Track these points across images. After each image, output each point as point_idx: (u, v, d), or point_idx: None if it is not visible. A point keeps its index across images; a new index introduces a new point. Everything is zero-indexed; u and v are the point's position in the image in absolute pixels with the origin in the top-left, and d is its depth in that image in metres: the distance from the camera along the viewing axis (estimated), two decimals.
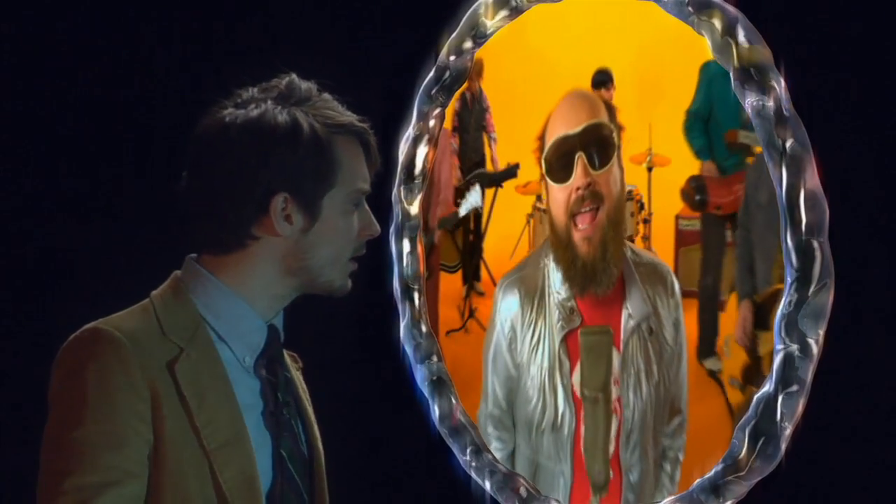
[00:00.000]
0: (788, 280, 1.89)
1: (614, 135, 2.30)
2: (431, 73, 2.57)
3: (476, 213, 2.62)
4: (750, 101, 1.96)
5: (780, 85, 1.93)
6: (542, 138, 2.36)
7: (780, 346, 1.91)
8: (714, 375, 2.21)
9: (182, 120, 1.75)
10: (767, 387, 1.95)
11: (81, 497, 1.48)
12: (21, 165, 2.87)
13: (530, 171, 2.46)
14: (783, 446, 1.92)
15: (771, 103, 1.93)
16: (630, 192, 2.37)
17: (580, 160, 2.27)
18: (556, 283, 2.34)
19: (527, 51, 2.51)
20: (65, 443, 1.52)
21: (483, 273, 2.60)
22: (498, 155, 2.61)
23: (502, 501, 2.40)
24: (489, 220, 2.61)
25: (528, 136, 2.45)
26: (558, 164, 2.31)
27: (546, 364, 2.33)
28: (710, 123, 2.24)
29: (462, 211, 2.59)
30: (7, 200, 2.85)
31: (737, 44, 1.97)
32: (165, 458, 1.56)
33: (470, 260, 2.63)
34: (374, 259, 2.02)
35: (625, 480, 2.25)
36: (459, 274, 2.64)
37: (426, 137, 2.62)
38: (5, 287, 2.84)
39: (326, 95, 1.73)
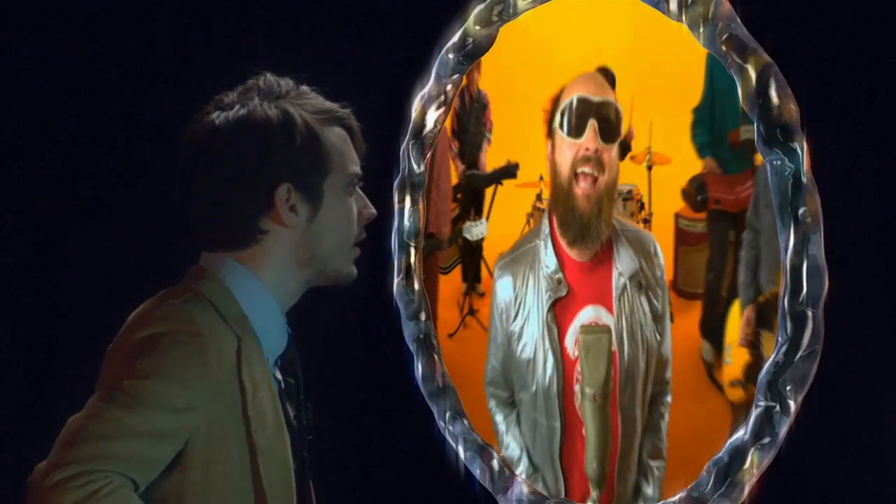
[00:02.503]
0: (780, 341, 1.93)
1: (622, 122, 2.33)
2: (455, 39, 2.50)
3: (476, 212, 2.61)
4: (771, 159, 1.94)
5: (802, 149, 1.91)
6: (554, 103, 2.39)
7: (760, 402, 1.95)
8: (711, 374, 2.24)
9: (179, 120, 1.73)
10: (742, 433, 2.00)
11: (113, 430, 1.46)
12: (33, 167, 2.82)
13: (530, 171, 2.47)
14: (747, 489, 2.01)
15: (791, 166, 1.91)
16: (630, 191, 2.40)
17: (592, 126, 2.32)
18: (546, 258, 2.41)
19: (527, 48, 2.45)
20: (137, 383, 1.49)
21: (483, 273, 2.59)
22: (492, 155, 2.59)
23: (474, 471, 2.48)
24: (488, 219, 2.59)
25: (527, 135, 2.47)
26: (574, 120, 2.35)
27: (537, 331, 2.41)
28: (715, 119, 2.23)
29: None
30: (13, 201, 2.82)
31: (767, 99, 1.94)
32: (215, 447, 1.55)
33: (470, 260, 2.61)
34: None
35: (621, 423, 2.31)
36: (459, 274, 2.64)
37: (440, 100, 2.57)
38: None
39: (304, 87, 1.71)
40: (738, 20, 2.00)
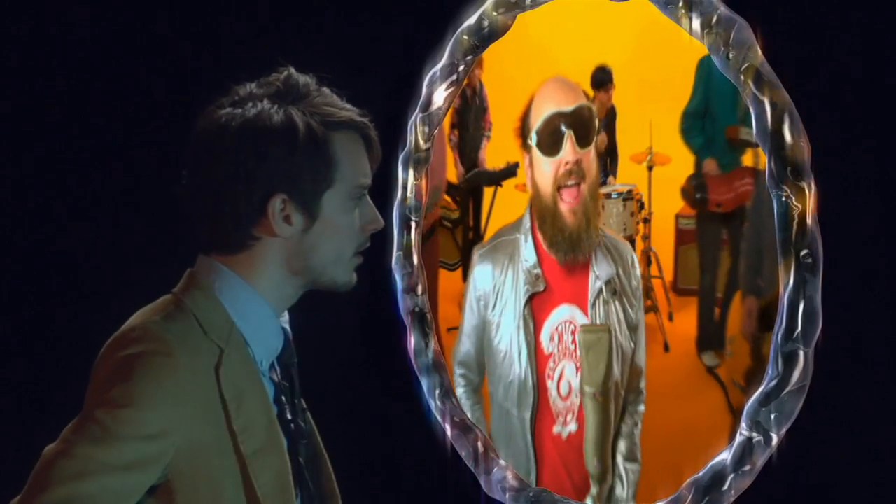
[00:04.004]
0: (770, 374, 1.94)
1: (595, 119, 2.31)
2: (472, 21, 2.46)
3: (476, 211, 2.59)
4: (778, 195, 1.93)
5: (810, 190, 1.90)
6: (524, 118, 2.37)
7: (745, 432, 1.99)
8: (712, 371, 2.22)
9: (186, 113, 1.70)
10: (724, 456, 2.02)
11: (83, 468, 1.45)
12: (26, 166, 2.76)
13: None
14: None
15: (798, 206, 1.91)
16: (630, 191, 2.39)
17: (570, 137, 2.30)
18: (525, 252, 2.41)
19: (527, 48, 2.40)
20: (108, 413, 1.47)
21: None
22: (492, 153, 2.56)
23: (459, 449, 2.52)
24: (489, 219, 2.56)
25: None
26: (549, 138, 2.32)
27: (513, 325, 2.42)
28: (706, 119, 2.21)
29: None
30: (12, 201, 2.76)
31: (780, 136, 1.92)
32: (200, 465, 1.53)
33: (470, 258, 2.61)
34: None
35: (587, 429, 2.33)
36: (459, 272, 2.61)
37: (452, 79, 2.53)
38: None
39: (325, 90, 1.63)
40: (759, 51, 1.95)
